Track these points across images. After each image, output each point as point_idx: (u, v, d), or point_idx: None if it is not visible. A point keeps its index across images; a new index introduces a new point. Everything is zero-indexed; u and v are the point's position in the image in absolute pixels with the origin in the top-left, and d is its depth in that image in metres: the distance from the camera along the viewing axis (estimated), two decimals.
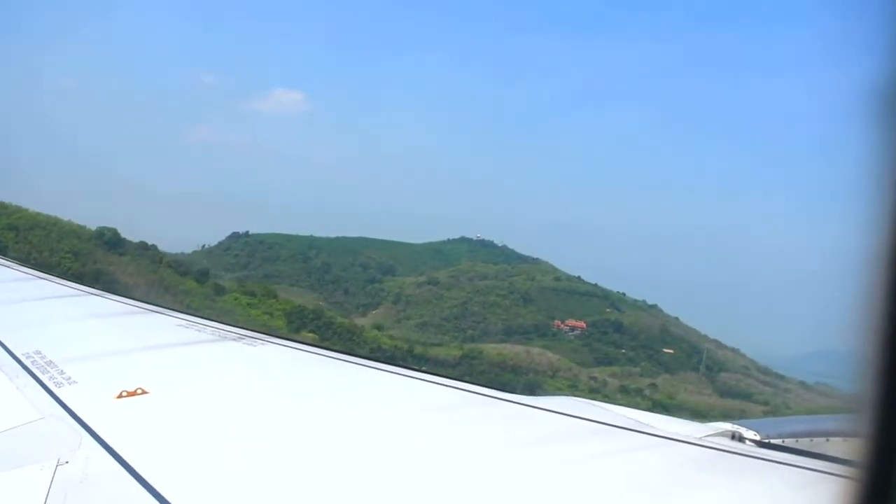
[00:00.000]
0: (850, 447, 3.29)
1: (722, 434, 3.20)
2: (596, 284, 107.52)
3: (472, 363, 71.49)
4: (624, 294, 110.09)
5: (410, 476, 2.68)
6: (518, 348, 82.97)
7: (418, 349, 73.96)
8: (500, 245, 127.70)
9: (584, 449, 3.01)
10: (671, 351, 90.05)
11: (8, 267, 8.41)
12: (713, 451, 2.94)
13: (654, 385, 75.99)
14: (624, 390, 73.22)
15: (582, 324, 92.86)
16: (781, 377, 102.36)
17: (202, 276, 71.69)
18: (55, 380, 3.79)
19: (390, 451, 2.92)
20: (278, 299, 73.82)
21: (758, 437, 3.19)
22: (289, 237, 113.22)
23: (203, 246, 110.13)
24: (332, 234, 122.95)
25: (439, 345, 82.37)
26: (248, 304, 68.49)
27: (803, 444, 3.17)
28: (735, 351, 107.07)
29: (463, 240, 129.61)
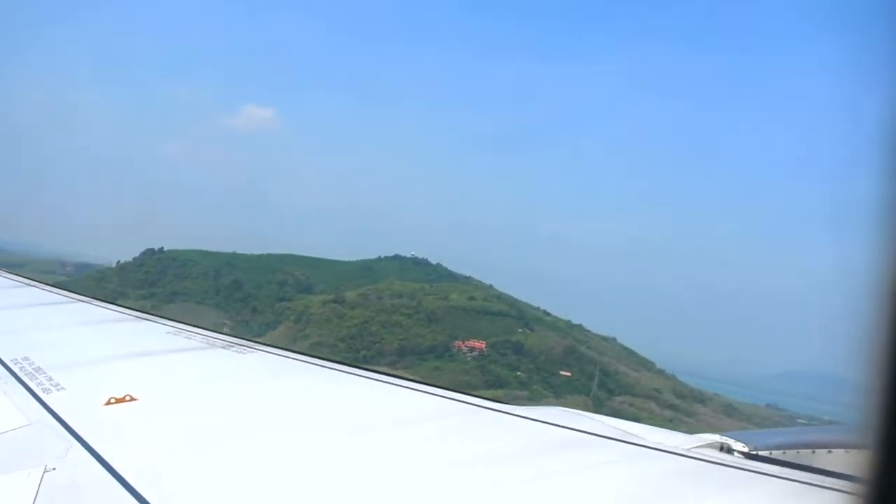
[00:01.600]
0: (839, 459, 2.93)
1: (710, 445, 3.18)
2: (515, 303, 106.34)
3: None
4: (547, 313, 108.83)
5: (397, 488, 2.62)
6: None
7: None
8: (434, 263, 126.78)
9: (574, 460, 2.97)
10: (568, 374, 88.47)
11: None
12: (701, 462, 2.92)
13: None
14: None
15: (482, 344, 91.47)
16: (702, 400, 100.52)
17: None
18: (43, 386, 3.75)
19: (378, 462, 2.86)
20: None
21: (746, 449, 3.17)
22: (206, 254, 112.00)
23: (118, 262, 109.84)
24: (259, 252, 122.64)
25: None
26: None
27: (791, 455, 3.15)
28: (660, 373, 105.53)
29: (396, 257, 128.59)
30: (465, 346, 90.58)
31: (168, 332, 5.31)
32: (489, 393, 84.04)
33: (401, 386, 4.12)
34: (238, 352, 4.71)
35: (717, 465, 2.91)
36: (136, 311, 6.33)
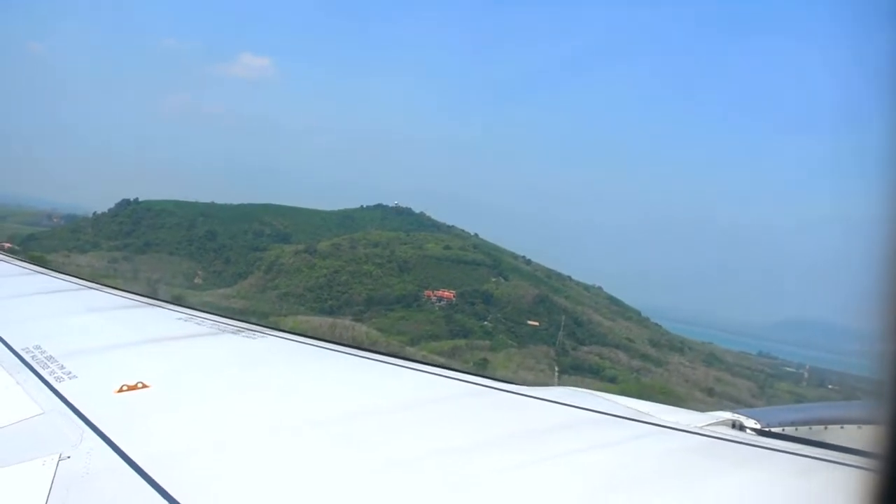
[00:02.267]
0: (851, 435, 2.95)
1: (722, 423, 3.18)
2: (494, 252, 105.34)
3: None
4: (528, 261, 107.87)
5: (411, 468, 2.61)
6: (325, 321, 77.06)
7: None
8: (417, 212, 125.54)
9: (585, 439, 2.95)
10: (535, 323, 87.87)
11: (5, 262, 8.37)
12: (713, 439, 2.93)
13: (484, 360, 72.65)
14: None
15: (450, 294, 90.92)
16: (680, 349, 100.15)
17: None
18: (55, 374, 3.74)
19: (390, 444, 2.86)
20: None
21: (758, 426, 3.17)
22: (181, 204, 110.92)
23: (94, 213, 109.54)
24: (237, 201, 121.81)
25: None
26: None
27: (803, 432, 3.15)
28: (642, 322, 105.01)
29: (378, 207, 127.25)
30: (435, 296, 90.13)
31: (178, 319, 5.30)
32: (450, 343, 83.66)
33: (411, 369, 4.10)
34: (248, 337, 4.70)
35: (729, 443, 2.90)
36: (146, 297, 6.34)
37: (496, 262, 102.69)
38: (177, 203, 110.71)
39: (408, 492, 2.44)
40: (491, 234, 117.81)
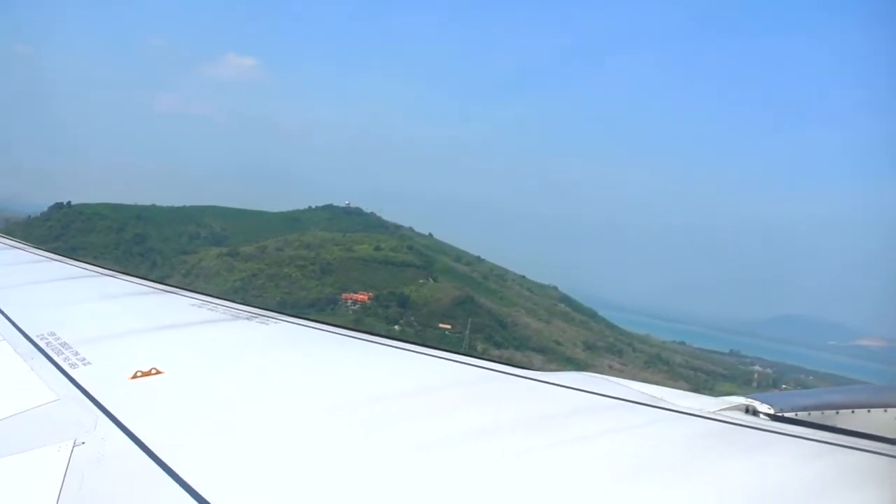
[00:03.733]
0: (864, 419, 3.10)
1: (735, 408, 3.20)
2: (432, 252, 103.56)
3: None
4: (482, 260, 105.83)
5: (428, 453, 2.61)
6: None
7: None
8: (367, 212, 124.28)
9: (598, 424, 2.96)
10: (447, 326, 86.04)
11: (20, 249, 8.32)
12: (727, 424, 2.96)
13: None
14: None
15: (365, 297, 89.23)
16: (618, 351, 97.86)
17: None
18: (70, 361, 3.74)
19: (407, 429, 2.84)
20: None
21: (772, 411, 3.17)
22: (116, 207, 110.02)
23: (28, 216, 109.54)
24: (180, 204, 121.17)
25: None
26: None
27: (816, 416, 3.15)
28: (584, 323, 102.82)
29: (327, 207, 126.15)
30: (350, 299, 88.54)
31: (192, 305, 5.27)
32: None
33: (425, 354, 4.08)
34: (262, 322, 4.70)
35: (742, 427, 2.91)
36: (160, 283, 6.28)
37: (428, 262, 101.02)
38: (112, 206, 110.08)
39: (432, 474, 2.45)
40: (451, 232, 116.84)
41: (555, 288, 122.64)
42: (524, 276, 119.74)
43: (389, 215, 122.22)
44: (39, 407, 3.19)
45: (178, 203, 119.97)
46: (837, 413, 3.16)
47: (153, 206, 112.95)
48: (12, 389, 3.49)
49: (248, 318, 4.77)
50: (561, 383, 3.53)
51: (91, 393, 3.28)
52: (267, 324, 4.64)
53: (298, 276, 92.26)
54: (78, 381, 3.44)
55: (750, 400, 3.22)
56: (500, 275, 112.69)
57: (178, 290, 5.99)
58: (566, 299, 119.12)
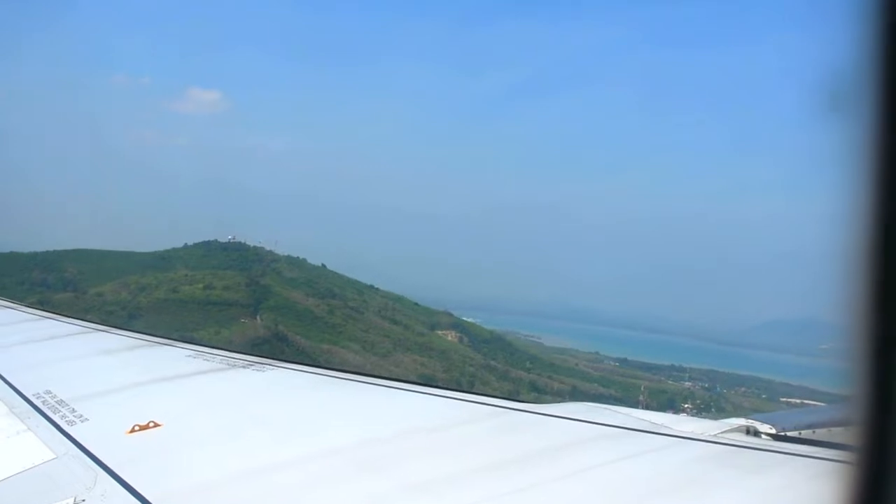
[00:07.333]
0: (846, 433, 2.95)
1: (737, 430, 3.21)
2: (279, 287, 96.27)
3: None
4: (374, 286, 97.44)
5: (429, 492, 2.63)
6: None
7: None
8: (251, 246, 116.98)
9: (602, 454, 2.95)
10: None
11: (12, 308, 8.30)
12: (729, 447, 2.97)
13: None
14: None
15: None
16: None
17: None
18: (67, 418, 3.71)
19: (412, 469, 2.85)
20: None
21: (773, 431, 3.18)
22: None
23: None
24: (48, 248, 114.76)
25: None
26: None
27: (819, 434, 3.15)
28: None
29: (208, 243, 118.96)
30: None
31: (187, 356, 5.26)
32: None
33: (421, 393, 4.06)
34: (257, 370, 4.68)
35: (744, 449, 2.93)
36: (154, 336, 6.22)
37: (260, 299, 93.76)
38: None
39: None
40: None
41: (448, 314, 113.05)
42: (416, 304, 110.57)
43: (296, 248, 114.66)
44: (38, 466, 3.14)
45: (58, 247, 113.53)
46: (830, 430, 3.09)
47: (12, 254, 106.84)
48: (10, 449, 3.41)
49: (243, 367, 4.74)
50: (562, 415, 3.50)
51: (89, 449, 3.22)
52: (262, 371, 4.62)
53: (111, 321, 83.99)
54: (76, 438, 3.40)
55: (751, 421, 3.20)
56: (383, 305, 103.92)
57: (174, 341, 5.92)
58: (458, 325, 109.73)
